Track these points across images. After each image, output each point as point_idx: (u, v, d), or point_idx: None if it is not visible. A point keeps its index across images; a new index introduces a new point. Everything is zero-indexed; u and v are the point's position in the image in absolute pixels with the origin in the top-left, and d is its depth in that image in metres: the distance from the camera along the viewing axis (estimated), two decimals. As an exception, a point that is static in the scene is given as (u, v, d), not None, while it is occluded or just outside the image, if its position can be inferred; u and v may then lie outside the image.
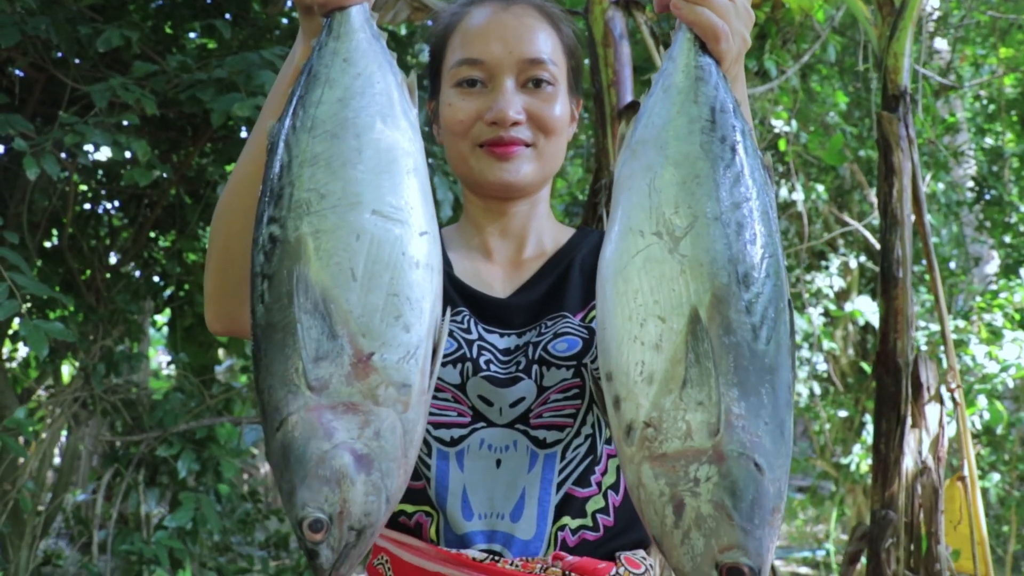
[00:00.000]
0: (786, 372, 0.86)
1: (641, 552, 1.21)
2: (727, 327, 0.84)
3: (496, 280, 1.29)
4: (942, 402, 2.49)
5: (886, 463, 2.50)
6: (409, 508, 1.17)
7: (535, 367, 1.17)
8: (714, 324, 0.84)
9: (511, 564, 1.11)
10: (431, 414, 1.15)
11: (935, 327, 5.04)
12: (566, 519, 1.15)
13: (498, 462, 1.15)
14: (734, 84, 1.01)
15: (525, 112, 1.23)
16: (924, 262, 5.80)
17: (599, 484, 1.18)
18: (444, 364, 1.16)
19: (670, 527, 0.84)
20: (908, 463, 2.44)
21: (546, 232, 1.35)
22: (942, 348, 4.81)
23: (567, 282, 1.26)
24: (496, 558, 1.11)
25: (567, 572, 1.12)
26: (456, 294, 1.25)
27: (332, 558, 0.87)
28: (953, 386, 2.46)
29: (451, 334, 1.19)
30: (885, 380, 2.56)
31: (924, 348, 5.12)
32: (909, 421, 2.47)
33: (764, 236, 0.88)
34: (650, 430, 0.85)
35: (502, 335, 1.22)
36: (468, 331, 1.21)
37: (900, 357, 2.54)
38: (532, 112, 1.24)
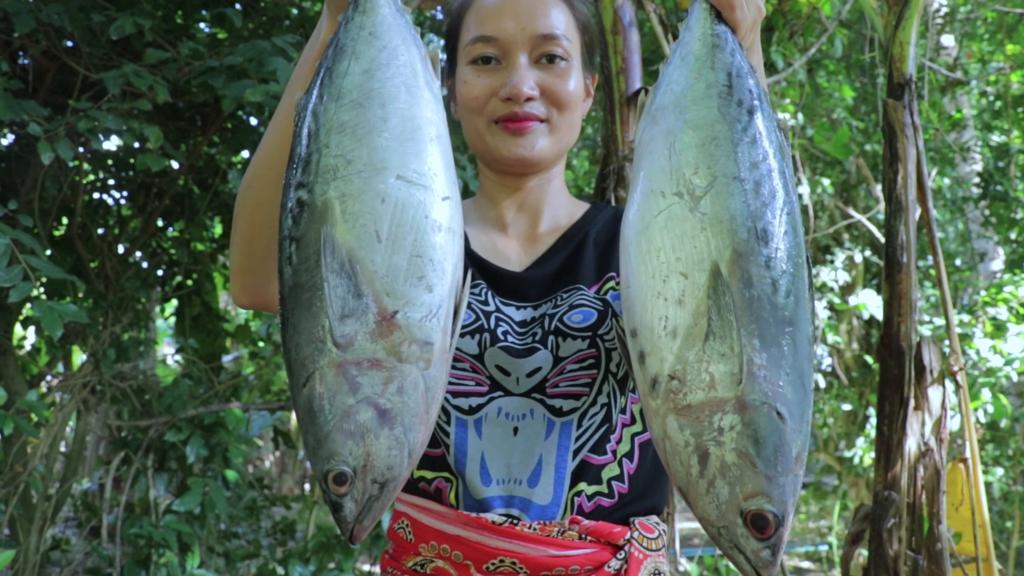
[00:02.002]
0: (806, 325, 0.88)
1: (655, 518, 1.24)
2: (747, 281, 0.87)
3: (512, 254, 1.32)
4: (944, 385, 2.52)
5: (889, 445, 2.53)
6: (429, 474, 1.20)
7: (551, 338, 1.19)
8: (735, 278, 0.87)
9: (529, 527, 1.14)
10: (450, 383, 1.18)
11: (940, 321, 5.06)
12: (582, 485, 1.18)
13: (515, 430, 1.18)
14: (750, 52, 1.03)
15: (539, 87, 1.26)
16: (931, 257, 5.82)
17: (614, 452, 1.21)
18: (462, 335, 1.19)
19: (695, 477, 0.87)
20: (911, 445, 2.47)
21: (561, 206, 1.37)
22: (947, 342, 4.85)
23: (582, 255, 1.28)
24: (514, 522, 1.14)
25: (583, 535, 1.15)
26: (473, 267, 1.27)
27: (356, 510, 0.89)
28: (956, 368, 2.48)
29: (469, 306, 1.21)
30: (889, 363, 2.59)
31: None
32: (912, 403, 2.50)
33: (781, 194, 0.91)
34: (675, 382, 0.88)
35: (518, 307, 1.25)
36: (485, 303, 1.24)
37: (903, 340, 2.57)
38: (546, 87, 1.26)
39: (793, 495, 0.86)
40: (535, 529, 1.14)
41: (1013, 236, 6.23)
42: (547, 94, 1.26)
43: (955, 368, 2.49)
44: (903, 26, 2.63)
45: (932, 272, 6.26)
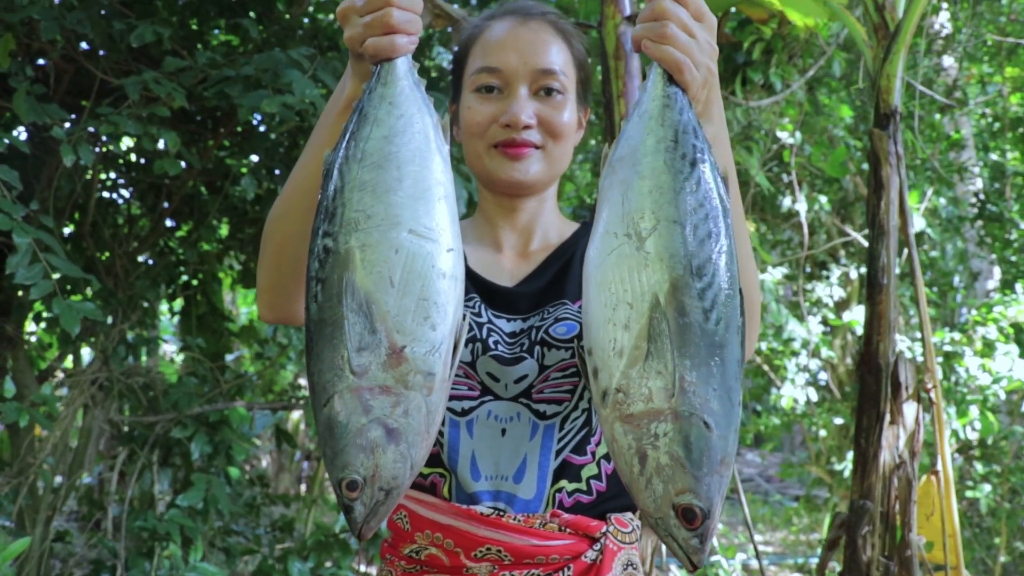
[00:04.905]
0: (734, 348, 1.02)
1: (629, 514, 1.36)
2: (682, 310, 1.00)
3: (505, 270, 1.44)
4: (919, 401, 2.64)
5: (865, 457, 2.66)
6: (425, 470, 1.32)
7: (537, 348, 1.32)
8: (671, 308, 1.01)
9: (514, 519, 1.26)
10: None
11: (932, 339, 5.14)
12: (563, 483, 1.30)
13: (503, 431, 1.30)
14: (707, 106, 1.16)
15: (536, 117, 1.38)
16: (928, 275, 5.87)
17: (593, 454, 1.33)
18: None
19: (636, 475, 1.01)
20: (885, 457, 2.60)
21: (552, 227, 1.50)
22: (939, 359, 4.94)
23: (568, 272, 1.40)
24: (501, 513, 1.27)
25: (563, 528, 1.27)
26: (469, 282, 1.37)
27: (364, 513, 1.03)
28: (929, 386, 2.60)
29: (463, 317, 1.33)
30: (867, 379, 2.72)
31: (921, 359, 5.19)
32: (888, 418, 2.63)
33: (716, 236, 1.04)
34: (620, 395, 1.02)
35: (509, 319, 1.37)
36: (479, 315, 1.36)
37: (881, 358, 2.70)
38: (543, 117, 1.38)
39: (719, 493, 0.99)
40: (519, 521, 1.26)
41: (1012, 258, 6.28)
42: (543, 124, 1.38)
43: (928, 386, 2.61)
44: (890, 59, 2.74)
45: (927, 292, 6.35)
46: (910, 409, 2.61)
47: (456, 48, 1.50)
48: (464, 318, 1.12)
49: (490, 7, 4.30)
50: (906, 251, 2.89)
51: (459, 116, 1.45)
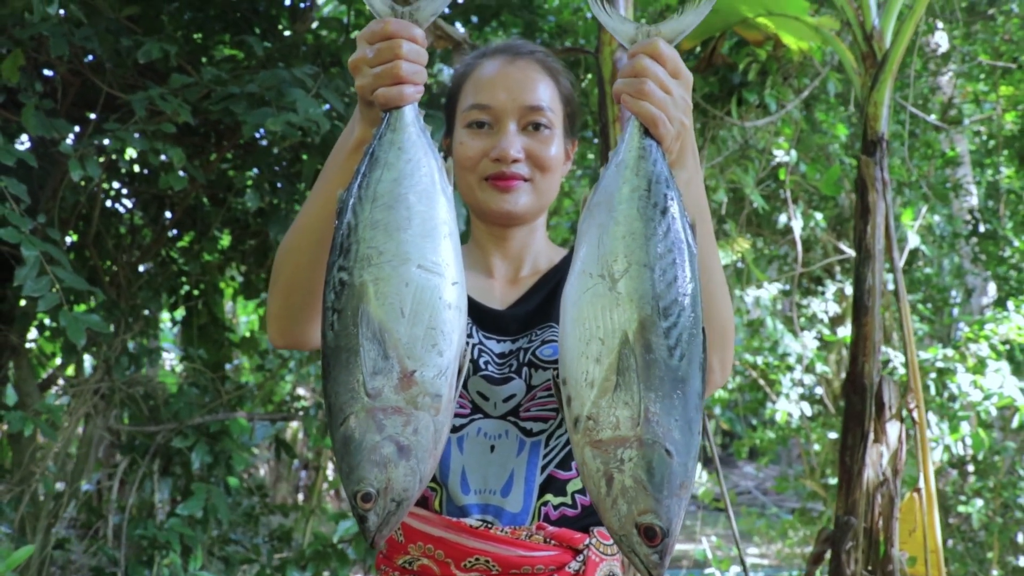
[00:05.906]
0: (696, 382, 1.11)
1: None
2: (648, 347, 1.09)
3: (496, 294, 1.52)
4: (903, 421, 2.70)
5: (850, 474, 2.74)
6: None
7: (525, 369, 1.39)
8: (639, 344, 1.09)
9: (501, 531, 1.34)
10: None
11: (925, 355, 5.19)
12: (549, 496, 1.38)
13: (492, 447, 1.38)
14: (681, 155, 1.23)
15: (524, 151, 1.45)
16: (923, 291, 5.90)
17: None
18: None
19: (603, 496, 1.10)
20: (869, 474, 2.67)
21: (541, 253, 1.57)
22: (932, 375, 4.98)
23: (556, 297, 1.46)
24: (489, 526, 1.34)
25: (548, 539, 1.35)
26: None
27: (377, 523, 1.12)
28: (912, 406, 2.66)
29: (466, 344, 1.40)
30: (853, 399, 2.79)
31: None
32: (871, 437, 2.70)
33: (682, 279, 1.13)
34: (590, 422, 1.10)
35: (499, 341, 1.45)
36: (470, 336, 1.42)
37: (866, 378, 2.77)
38: (530, 152, 1.46)
39: (678, 514, 1.08)
40: (507, 533, 1.33)
41: (1009, 274, 6.32)
42: (531, 157, 1.46)
43: (912, 406, 2.67)
44: (878, 88, 2.82)
45: (922, 308, 6.41)
46: (893, 428, 2.69)
47: (450, 84, 1.58)
48: (467, 344, 1.20)
49: (491, 26, 4.39)
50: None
51: (452, 150, 1.52)
